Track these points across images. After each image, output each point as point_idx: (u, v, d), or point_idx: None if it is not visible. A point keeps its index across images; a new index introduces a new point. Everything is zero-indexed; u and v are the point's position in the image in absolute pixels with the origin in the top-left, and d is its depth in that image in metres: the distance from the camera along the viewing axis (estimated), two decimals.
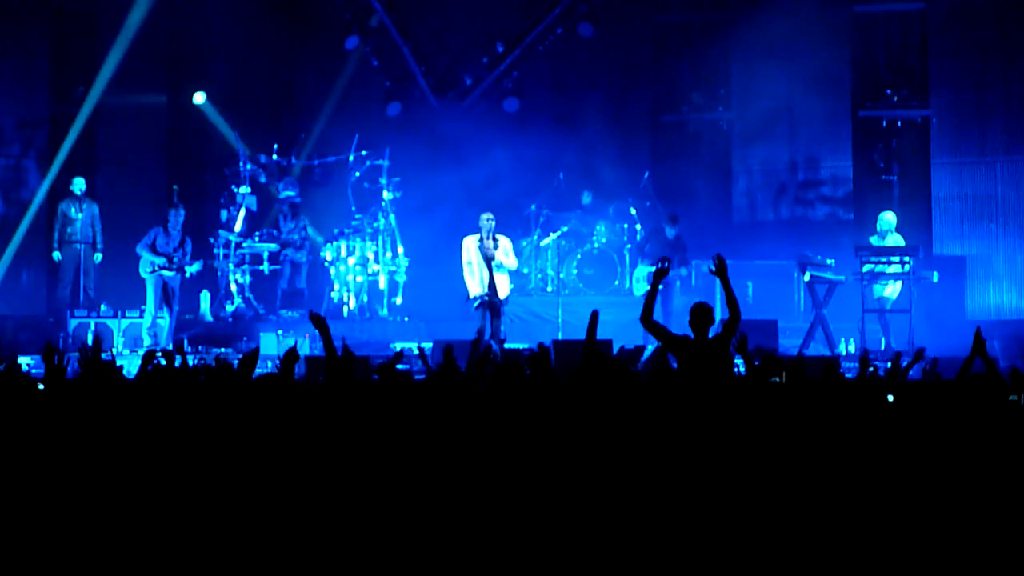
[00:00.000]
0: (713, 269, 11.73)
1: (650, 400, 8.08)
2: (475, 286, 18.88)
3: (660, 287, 19.71)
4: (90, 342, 18.22)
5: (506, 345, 15.13)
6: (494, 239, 18.94)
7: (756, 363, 9.74)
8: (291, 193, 23.60)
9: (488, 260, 18.82)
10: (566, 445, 6.97)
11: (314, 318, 9.25)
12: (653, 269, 20.01)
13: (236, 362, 9.34)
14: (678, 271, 20.65)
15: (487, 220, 18.99)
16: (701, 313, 11.30)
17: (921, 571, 6.26)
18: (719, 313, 13.54)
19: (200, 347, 20.99)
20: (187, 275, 20.94)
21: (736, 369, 12.21)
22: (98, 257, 21.89)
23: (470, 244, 18.99)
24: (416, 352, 16.39)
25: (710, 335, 11.33)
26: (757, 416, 7.64)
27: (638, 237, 22.66)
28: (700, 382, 10.33)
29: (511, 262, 19.26)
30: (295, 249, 23.11)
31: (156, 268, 20.54)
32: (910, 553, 6.32)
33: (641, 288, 20.62)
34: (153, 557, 6.38)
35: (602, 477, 6.67)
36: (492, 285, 18.86)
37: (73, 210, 21.82)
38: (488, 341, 17.37)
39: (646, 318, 11.65)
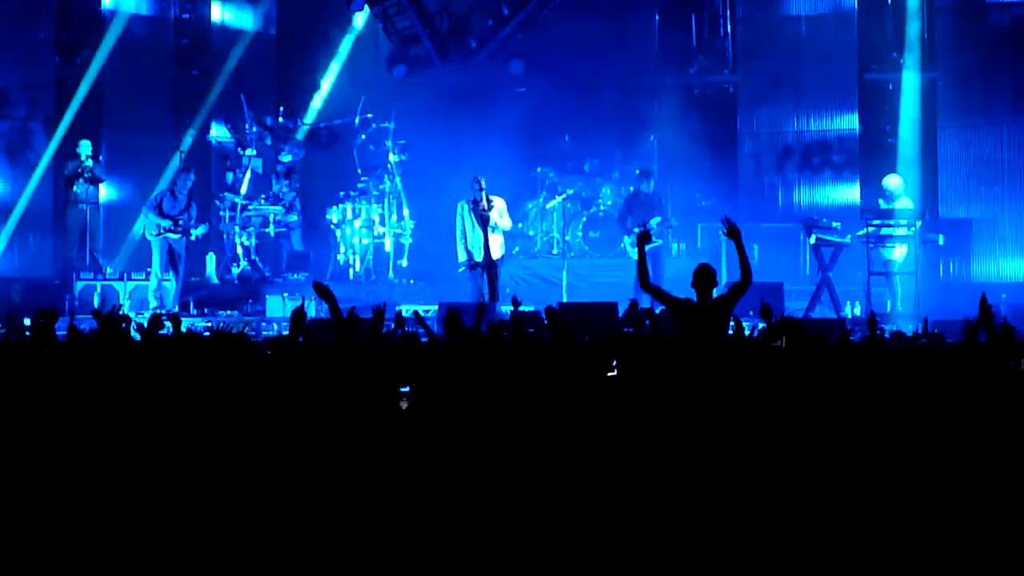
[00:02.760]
0: (725, 232, 11.70)
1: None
2: (466, 251, 18.98)
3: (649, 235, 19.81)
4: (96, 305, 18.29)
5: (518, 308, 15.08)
6: (488, 201, 18.99)
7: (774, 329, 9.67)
8: (288, 158, 23.56)
9: (484, 222, 18.90)
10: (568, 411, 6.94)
11: (318, 288, 9.15)
12: (652, 224, 20.11)
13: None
14: (665, 223, 20.52)
15: (479, 182, 19.10)
16: (704, 274, 11.23)
17: (925, 545, 6.22)
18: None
19: (206, 310, 20.98)
20: (192, 238, 20.94)
21: (745, 332, 12.17)
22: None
23: (464, 207, 19.09)
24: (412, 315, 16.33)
25: (714, 296, 11.26)
26: (764, 379, 7.61)
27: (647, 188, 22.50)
28: (700, 344, 10.31)
29: (505, 223, 19.39)
30: (285, 209, 23.03)
31: (162, 231, 20.51)
32: (913, 522, 6.26)
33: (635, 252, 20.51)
34: (160, 530, 6.34)
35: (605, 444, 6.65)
36: (487, 246, 18.93)
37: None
38: (486, 303, 17.39)
39: (643, 283, 11.75)
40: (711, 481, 6.40)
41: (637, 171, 21.71)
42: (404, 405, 7.33)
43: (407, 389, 7.48)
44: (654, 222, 20.18)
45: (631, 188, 23.21)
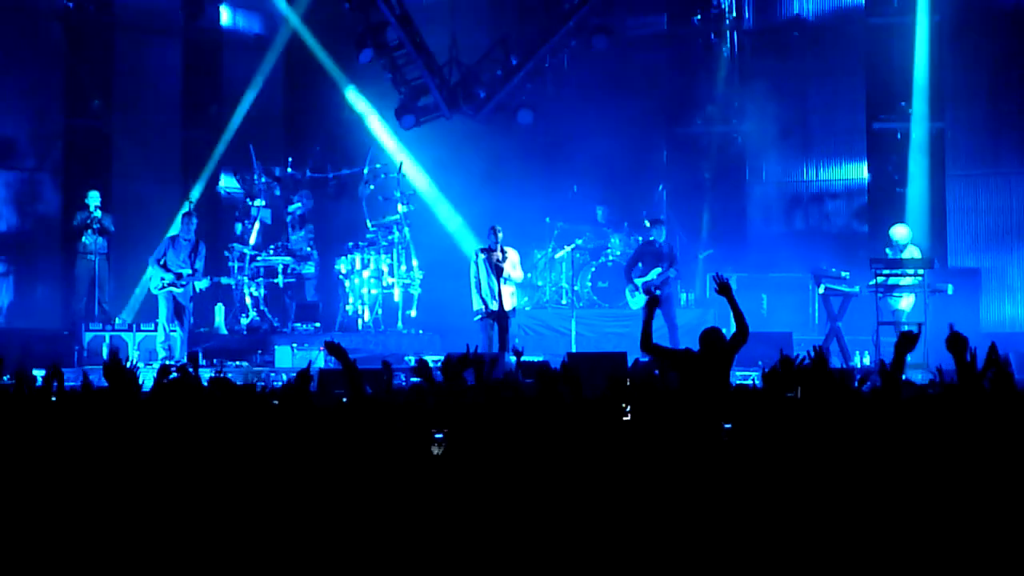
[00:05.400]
0: (716, 289, 11.84)
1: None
2: (481, 299, 19.01)
3: (655, 292, 19.88)
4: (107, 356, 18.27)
5: (523, 358, 15.12)
6: (503, 251, 19.03)
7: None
8: (298, 206, 23.65)
9: (498, 272, 18.93)
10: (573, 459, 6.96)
11: (330, 347, 9.32)
12: (653, 275, 20.17)
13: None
14: (667, 273, 20.56)
15: (495, 232, 19.14)
16: (710, 339, 11.40)
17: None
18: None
19: (215, 360, 21.02)
20: (196, 291, 20.97)
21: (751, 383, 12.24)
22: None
23: (479, 256, 19.13)
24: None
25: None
26: (773, 429, 7.62)
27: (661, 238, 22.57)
28: (701, 394, 10.42)
29: (518, 275, 19.39)
30: (302, 260, 23.12)
31: (165, 284, 20.57)
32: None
33: (638, 302, 20.56)
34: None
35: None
36: (499, 297, 18.95)
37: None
38: (494, 353, 17.43)
39: (646, 344, 11.86)
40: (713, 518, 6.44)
41: (647, 222, 21.74)
42: (436, 451, 7.37)
43: (440, 436, 7.53)
44: (654, 273, 20.25)
45: (640, 238, 23.28)
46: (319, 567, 6.32)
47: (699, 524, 6.32)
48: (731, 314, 11.81)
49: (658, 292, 19.52)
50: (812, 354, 8.30)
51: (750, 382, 14.59)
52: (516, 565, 6.22)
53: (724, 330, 12.03)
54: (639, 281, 20.49)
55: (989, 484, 6.60)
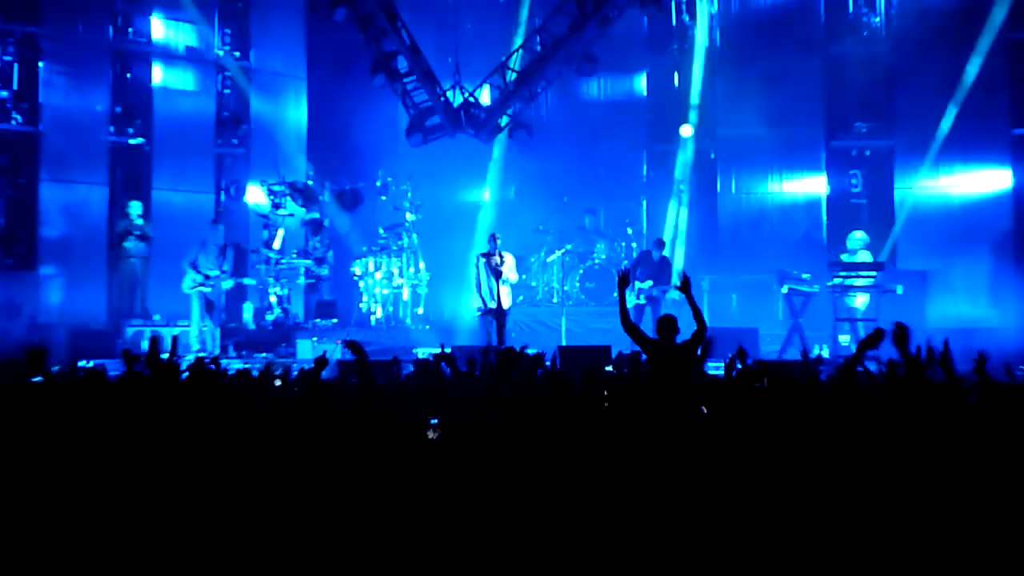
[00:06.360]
0: (679, 286, 11.96)
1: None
2: (481, 298, 19.06)
3: (644, 300, 20.06)
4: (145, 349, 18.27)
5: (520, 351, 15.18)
6: (501, 256, 19.09)
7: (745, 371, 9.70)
8: (315, 215, 23.66)
9: (497, 275, 18.98)
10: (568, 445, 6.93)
11: (349, 345, 9.37)
12: (647, 285, 20.27)
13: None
14: (664, 288, 20.66)
15: (494, 239, 19.18)
16: (665, 324, 11.47)
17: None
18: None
19: (243, 352, 21.08)
20: (222, 290, 21.13)
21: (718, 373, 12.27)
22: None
23: (480, 260, 19.18)
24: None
25: (678, 342, 11.45)
26: (732, 415, 7.63)
27: (634, 254, 22.63)
28: (668, 384, 10.53)
29: (513, 277, 19.48)
30: (317, 264, 23.16)
31: (196, 285, 20.76)
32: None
33: (631, 301, 20.63)
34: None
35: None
36: (498, 296, 19.01)
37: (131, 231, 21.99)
38: (494, 346, 17.47)
39: (624, 322, 11.91)
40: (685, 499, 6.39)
41: (655, 239, 22.01)
42: (432, 435, 7.35)
43: (435, 421, 7.52)
44: (646, 284, 20.33)
45: (623, 244, 23.32)
46: (328, 528, 6.28)
47: (671, 495, 6.29)
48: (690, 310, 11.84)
49: (644, 294, 19.72)
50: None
51: (720, 373, 14.58)
52: (500, 531, 6.18)
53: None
54: (638, 285, 20.57)
55: (935, 461, 6.58)
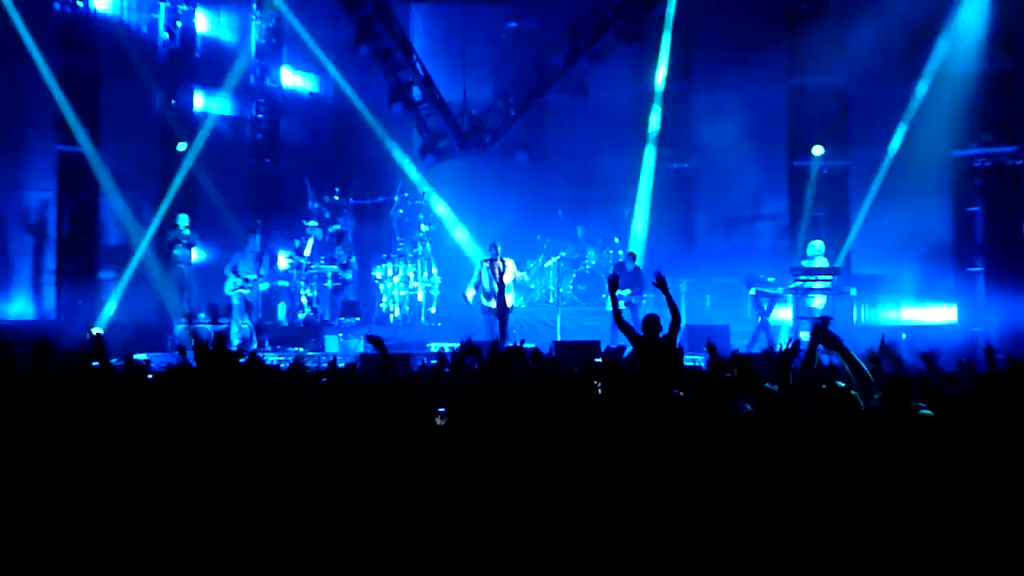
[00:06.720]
0: (654, 282, 12.17)
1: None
2: (483, 298, 19.16)
3: (623, 306, 20.15)
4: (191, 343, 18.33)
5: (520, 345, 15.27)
6: (503, 262, 19.17)
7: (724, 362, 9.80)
8: (337, 227, 23.73)
9: (499, 279, 19.09)
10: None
11: (372, 339, 9.48)
12: (626, 293, 20.35)
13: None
14: (640, 296, 20.76)
15: (495, 247, 19.30)
16: (650, 322, 11.65)
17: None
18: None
19: (277, 346, 21.16)
20: (259, 292, 21.32)
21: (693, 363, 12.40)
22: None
23: (483, 265, 19.28)
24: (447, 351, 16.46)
25: (660, 336, 11.63)
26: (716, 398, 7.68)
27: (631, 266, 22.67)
28: (652, 371, 10.69)
29: (518, 275, 19.60)
30: (342, 269, 23.26)
31: (236, 287, 20.91)
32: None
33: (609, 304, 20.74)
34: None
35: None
36: (501, 297, 19.07)
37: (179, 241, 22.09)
38: (495, 340, 17.56)
39: (616, 319, 12.12)
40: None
41: (622, 252, 22.08)
42: (440, 421, 7.39)
43: (443, 410, 7.55)
44: (625, 292, 20.40)
45: (611, 251, 23.37)
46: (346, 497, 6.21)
47: (653, 466, 6.31)
48: (667, 305, 12.05)
49: (625, 300, 19.90)
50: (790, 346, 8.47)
51: (696, 364, 14.70)
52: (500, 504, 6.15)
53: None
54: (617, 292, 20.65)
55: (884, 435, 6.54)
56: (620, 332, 12.33)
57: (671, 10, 24.04)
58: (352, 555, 5.83)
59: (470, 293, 19.47)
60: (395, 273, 23.28)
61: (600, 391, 8.50)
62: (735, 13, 24.23)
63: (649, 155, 24.57)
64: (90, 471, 6.31)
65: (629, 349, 16.81)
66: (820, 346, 8.67)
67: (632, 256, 21.65)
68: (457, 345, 18.58)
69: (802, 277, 20.48)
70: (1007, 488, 5.91)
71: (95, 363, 9.30)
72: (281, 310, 23.14)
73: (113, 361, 10.42)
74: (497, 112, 25.87)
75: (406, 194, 24.58)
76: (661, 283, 11.97)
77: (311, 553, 5.89)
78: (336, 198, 24.41)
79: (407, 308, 23.23)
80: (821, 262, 20.79)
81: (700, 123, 24.86)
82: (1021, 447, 6.18)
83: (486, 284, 19.19)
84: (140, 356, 15.11)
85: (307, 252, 23.29)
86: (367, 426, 6.87)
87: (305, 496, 6.14)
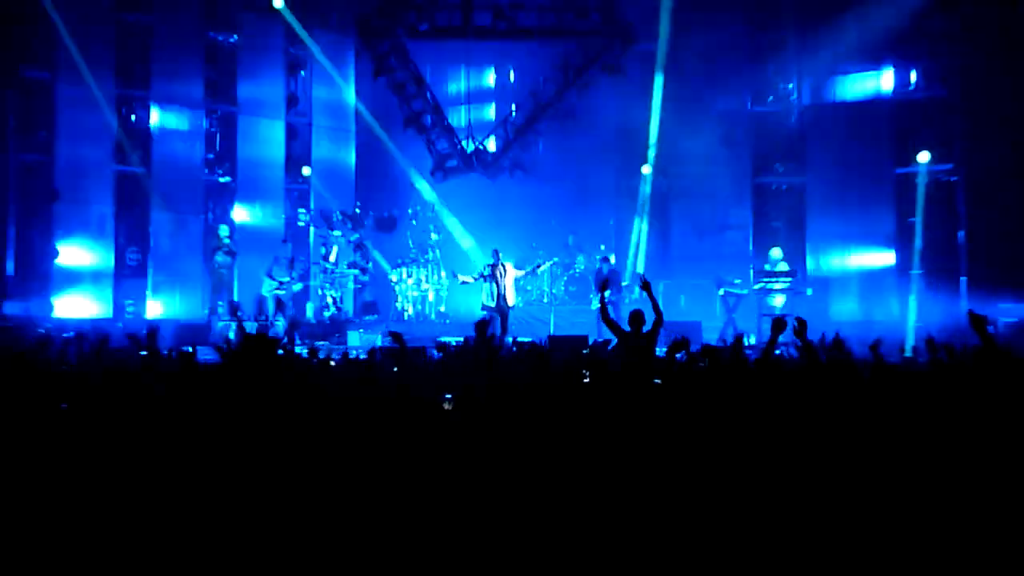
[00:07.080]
0: (640, 286, 12.25)
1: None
2: (486, 297, 19.23)
3: (609, 304, 20.23)
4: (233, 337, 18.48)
5: (519, 339, 15.40)
6: (503, 266, 19.28)
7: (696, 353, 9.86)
8: (356, 236, 23.83)
9: (499, 280, 19.20)
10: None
11: (393, 335, 9.61)
12: (606, 294, 20.45)
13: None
14: (617, 295, 20.98)
15: (496, 254, 19.42)
16: (634, 317, 11.68)
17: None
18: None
19: (306, 340, 21.18)
20: (292, 292, 21.51)
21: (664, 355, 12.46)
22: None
23: (486, 269, 19.40)
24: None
25: (644, 331, 11.66)
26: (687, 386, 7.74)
27: (607, 268, 22.79)
28: (634, 361, 10.73)
29: (519, 273, 19.69)
30: (362, 273, 23.41)
31: (271, 289, 21.09)
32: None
33: (595, 304, 20.88)
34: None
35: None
36: (502, 297, 19.17)
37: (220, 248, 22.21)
38: (496, 334, 17.68)
39: (604, 317, 12.16)
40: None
41: (598, 256, 22.22)
42: (447, 407, 7.33)
43: (449, 396, 7.51)
44: (606, 293, 20.52)
45: (599, 257, 23.51)
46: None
47: (634, 445, 6.30)
48: (651, 305, 12.10)
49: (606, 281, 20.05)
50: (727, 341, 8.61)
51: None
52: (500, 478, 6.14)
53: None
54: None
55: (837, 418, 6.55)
56: (606, 327, 12.40)
57: (662, 50, 23.96)
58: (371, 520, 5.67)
59: (463, 277, 19.66)
60: (409, 276, 23.45)
61: (588, 380, 8.59)
62: (705, 48, 24.28)
63: (646, 175, 24.57)
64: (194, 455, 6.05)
65: (614, 342, 17.01)
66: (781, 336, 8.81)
67: (606, 259, 21.85)
68: (462, 339, 18.79)
69: (764, 279, 20.61)
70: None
71: (143, 352, 9.32)
72: (309, 308, 23.28)
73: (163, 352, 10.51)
74: (498, 136, 26.03)
75: (419, 207, 24.74)
76: (646, 287, 12.06)
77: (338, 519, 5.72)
78: (357, 211, 24.53)
79: (419, 307, 23.39)
80: (781, 266, 20.93)
81: (674, 144, 24.87)
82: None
83: (485, 286, 19.27)
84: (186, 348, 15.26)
85: (332, 258, 23.44)
86: (382, 410, 6.80)
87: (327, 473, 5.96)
